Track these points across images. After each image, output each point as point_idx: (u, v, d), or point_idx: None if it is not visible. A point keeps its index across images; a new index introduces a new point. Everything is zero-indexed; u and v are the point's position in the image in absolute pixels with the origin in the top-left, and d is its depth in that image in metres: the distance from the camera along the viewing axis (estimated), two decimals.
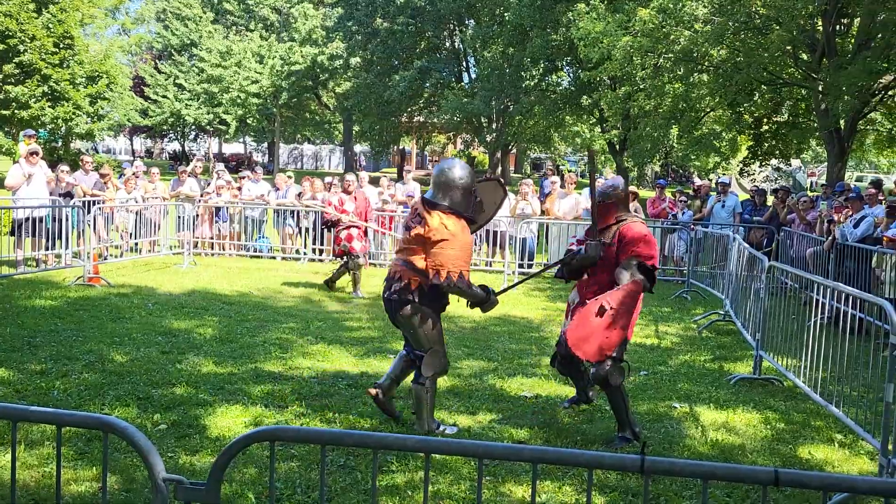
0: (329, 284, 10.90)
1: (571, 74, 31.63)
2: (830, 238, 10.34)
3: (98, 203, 12.28)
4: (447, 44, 37.03)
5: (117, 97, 30.97)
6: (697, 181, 16.23)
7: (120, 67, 32.45)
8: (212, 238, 14.37)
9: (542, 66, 30.56)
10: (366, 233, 10.95)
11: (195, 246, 13.68)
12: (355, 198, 10.72)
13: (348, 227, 10.40)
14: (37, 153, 11.82)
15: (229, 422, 5.21)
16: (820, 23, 19.45)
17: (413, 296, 5.07)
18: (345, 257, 10.50)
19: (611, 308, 4.94)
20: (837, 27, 19.93)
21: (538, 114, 31.66)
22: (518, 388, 6.29)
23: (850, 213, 10.29)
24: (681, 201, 14.04)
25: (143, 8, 53.45)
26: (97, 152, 43.45)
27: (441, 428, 5.23)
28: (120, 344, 7.17)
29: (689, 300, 11.28)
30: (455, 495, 4.19)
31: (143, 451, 2.30)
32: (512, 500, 4.17)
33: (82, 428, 4.67)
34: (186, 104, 41.11)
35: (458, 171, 5.17)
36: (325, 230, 12.57)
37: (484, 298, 5.23)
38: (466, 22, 35.59)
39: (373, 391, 5.35)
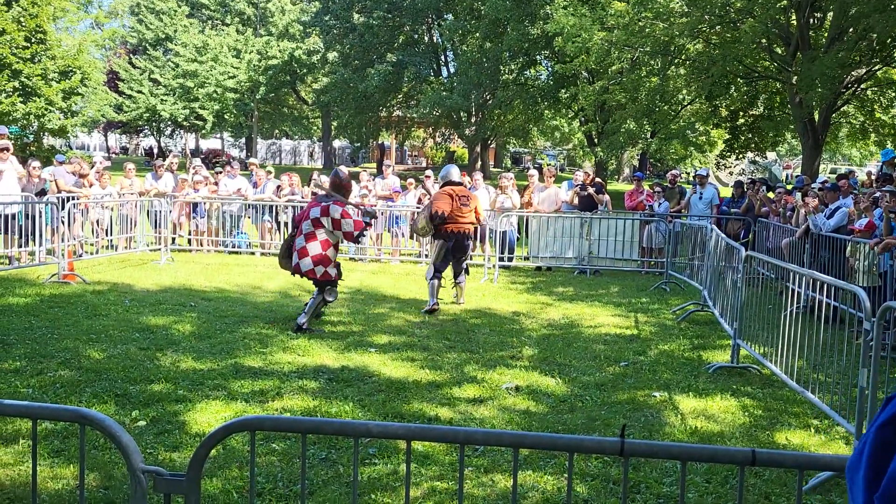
0: None
1: (550, 68, 31.70)
2: (802, 228, 10.47)
3: (73, 199, 12.13)
4: (425, 38, 36.92)
5: (91, 92, 30.53)
6: (674, 172, 16.22)
7: (93, 62, 31.96)
8: (189, 234, 14.25)
9: (520, 59, 30.59)
10: None
11: (172, 242, 13.55)
12: None
13: None
14: (7, 149, 11.63)
15: (209, 417, 5.17)
16: (794, 16, 19.69)
17: None
18: None
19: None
20: (811, 20, 20.17)
21: (517, 108, 31.68)
22: (499, 379, 6.31)
23: (818, 203, 10.42)
24: (656, 192, 14.08)
25: (117, 2, 52.79)
26: (70, 149, 42.86)
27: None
28: (96, 341, 7.09)
29: (668, 291, 11.37)
30: (438, 488, 4.19)
31: (121, 443, 2.27)
32: (494, 489, 4.18)
33: (58, 421, 4.62)
34: (162, 99, 40.66)
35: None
36: None
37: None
38: (444, 16, 35.52)
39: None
